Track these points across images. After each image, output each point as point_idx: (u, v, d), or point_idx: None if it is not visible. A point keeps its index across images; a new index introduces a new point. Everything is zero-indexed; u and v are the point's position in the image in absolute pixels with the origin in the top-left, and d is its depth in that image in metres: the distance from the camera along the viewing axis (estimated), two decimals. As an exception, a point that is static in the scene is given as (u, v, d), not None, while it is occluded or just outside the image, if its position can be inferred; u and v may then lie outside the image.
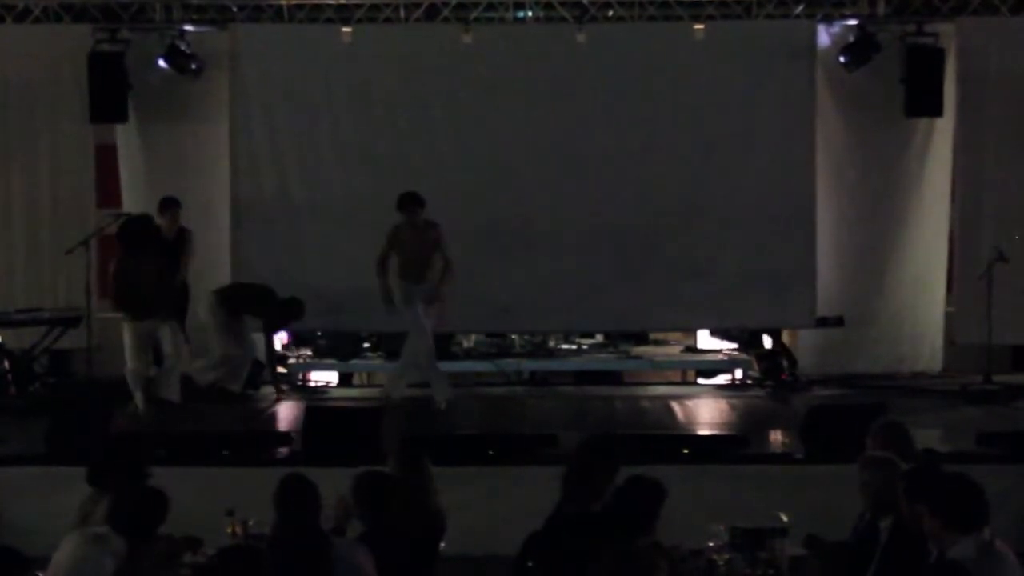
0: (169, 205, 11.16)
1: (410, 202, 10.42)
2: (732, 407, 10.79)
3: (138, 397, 10.17)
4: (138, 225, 10.58)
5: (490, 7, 11.99)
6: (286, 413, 10.56)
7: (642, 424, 9.97)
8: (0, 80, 12.08)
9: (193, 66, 11.90)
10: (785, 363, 11.76)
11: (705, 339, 12.56)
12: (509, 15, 12.01)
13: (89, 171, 12.07)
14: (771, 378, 11.62)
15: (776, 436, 9.24)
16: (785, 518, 5.78)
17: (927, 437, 8.62)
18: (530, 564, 5.38)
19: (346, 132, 11.92)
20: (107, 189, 12.20)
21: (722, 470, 8.20)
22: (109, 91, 11.83)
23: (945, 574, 4.61)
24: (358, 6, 11.99)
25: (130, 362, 10.21)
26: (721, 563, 5.50)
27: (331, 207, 11.94)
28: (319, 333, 12.29)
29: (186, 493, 7.81)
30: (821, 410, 8.67)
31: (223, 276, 11.60)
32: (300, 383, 11.93)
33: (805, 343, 12.00)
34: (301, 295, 11.43)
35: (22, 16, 12.09)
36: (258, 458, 8.46)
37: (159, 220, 10.96)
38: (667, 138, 11.84)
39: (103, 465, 5.67)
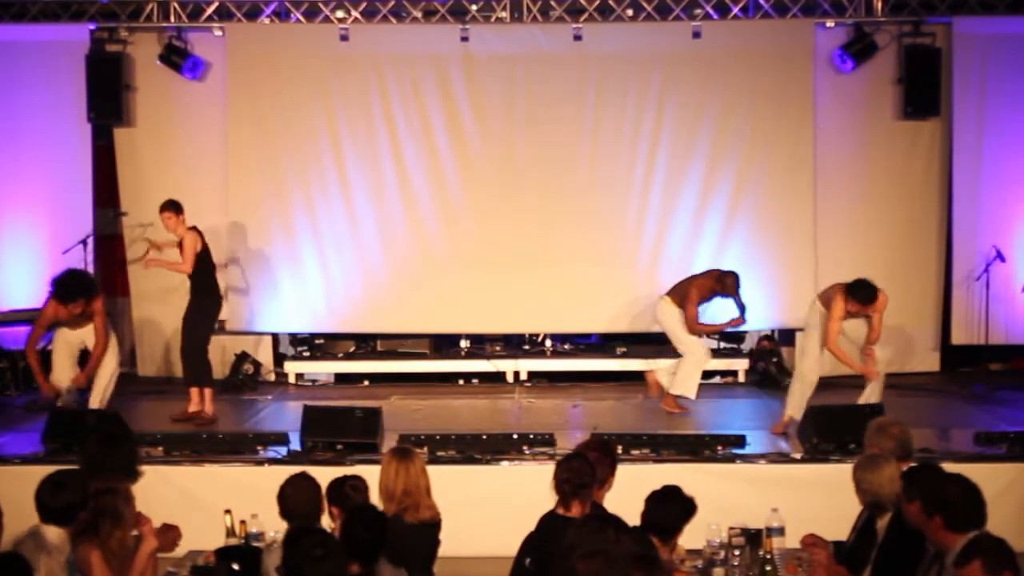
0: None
1: None
2: (730, 407, 10.79)
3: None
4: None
5: (487, 7, 12.01)
6: (284, 412, 10.56)
7: (641, 424, 9.96)
8: (-3, 79, 12.10)
9: (191, 66, 11.90)
10: (784, 363, 11.76)
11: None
12: (506, 15, 12.00)
13: (87, 171, 12.05)
14: (769, 378, 11.61)
15: (775, 436, 9.24)
16: (784, 518, 5.78)
17: (925, 437, 8.65)
18: (528, 564, 5.38)
19: (342, 131, 11.91)
20: (105, 189, 12.19)
21: (721, 470, 8.21)
22: (107, 91, 11.85)
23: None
24: (356, 3, 11.99)
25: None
26: (720, 562, 5.51)
27: (328, 206, 11.94)
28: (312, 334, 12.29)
29: (185, 492, 7.90)
30: (820, 410, 8.66)
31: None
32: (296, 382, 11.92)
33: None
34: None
35: (19, 15, 12.08)
36: (256, 457, 8.46)
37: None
38: (665, 138, 11.85)
39: (96, 465, 5.65)
